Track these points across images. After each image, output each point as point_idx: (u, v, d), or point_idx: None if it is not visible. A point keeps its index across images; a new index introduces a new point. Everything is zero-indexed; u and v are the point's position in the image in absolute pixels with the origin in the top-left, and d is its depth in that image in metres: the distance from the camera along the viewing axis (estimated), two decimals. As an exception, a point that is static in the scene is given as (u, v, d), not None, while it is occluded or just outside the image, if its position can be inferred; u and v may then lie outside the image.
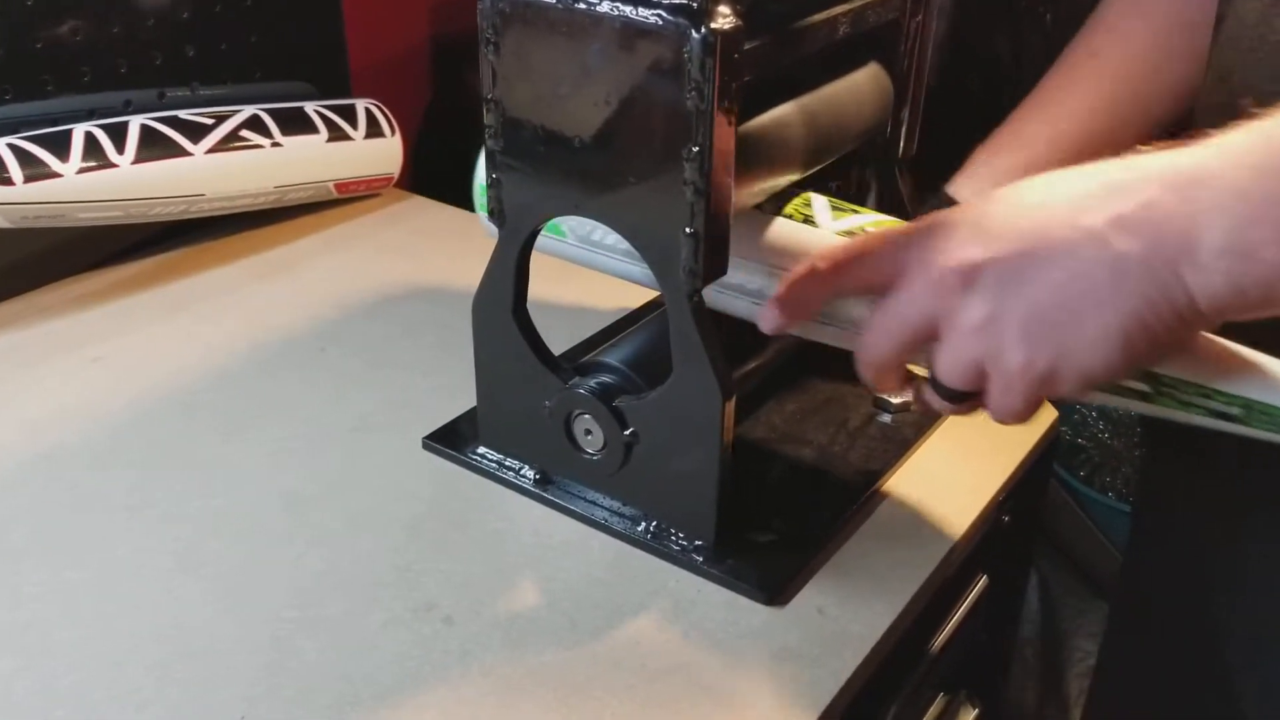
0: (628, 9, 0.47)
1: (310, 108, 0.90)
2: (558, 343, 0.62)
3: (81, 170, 0.76)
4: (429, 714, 0.49)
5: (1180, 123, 0.72)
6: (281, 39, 0.94)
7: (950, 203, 0.71)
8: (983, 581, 0.68)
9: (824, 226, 0.58)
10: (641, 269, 0.60)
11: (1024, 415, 0.49)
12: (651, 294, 0.76)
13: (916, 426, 0.67)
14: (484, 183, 0.67)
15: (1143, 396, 0.50)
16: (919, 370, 0.52)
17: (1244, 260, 0.42)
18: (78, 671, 0.51)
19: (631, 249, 0.54)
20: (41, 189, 0.74)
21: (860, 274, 0.51)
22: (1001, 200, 0.48)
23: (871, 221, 0.58)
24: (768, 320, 0.54)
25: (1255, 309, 0.43)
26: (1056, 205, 0.46)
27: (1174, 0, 0.71)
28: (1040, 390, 0.47)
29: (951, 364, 0.49)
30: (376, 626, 0.53)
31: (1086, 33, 0.75)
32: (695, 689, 0.50)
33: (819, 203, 0.60)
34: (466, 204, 0.97)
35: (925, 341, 0.49)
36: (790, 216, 0.59)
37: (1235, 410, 0.48)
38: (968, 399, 0.50)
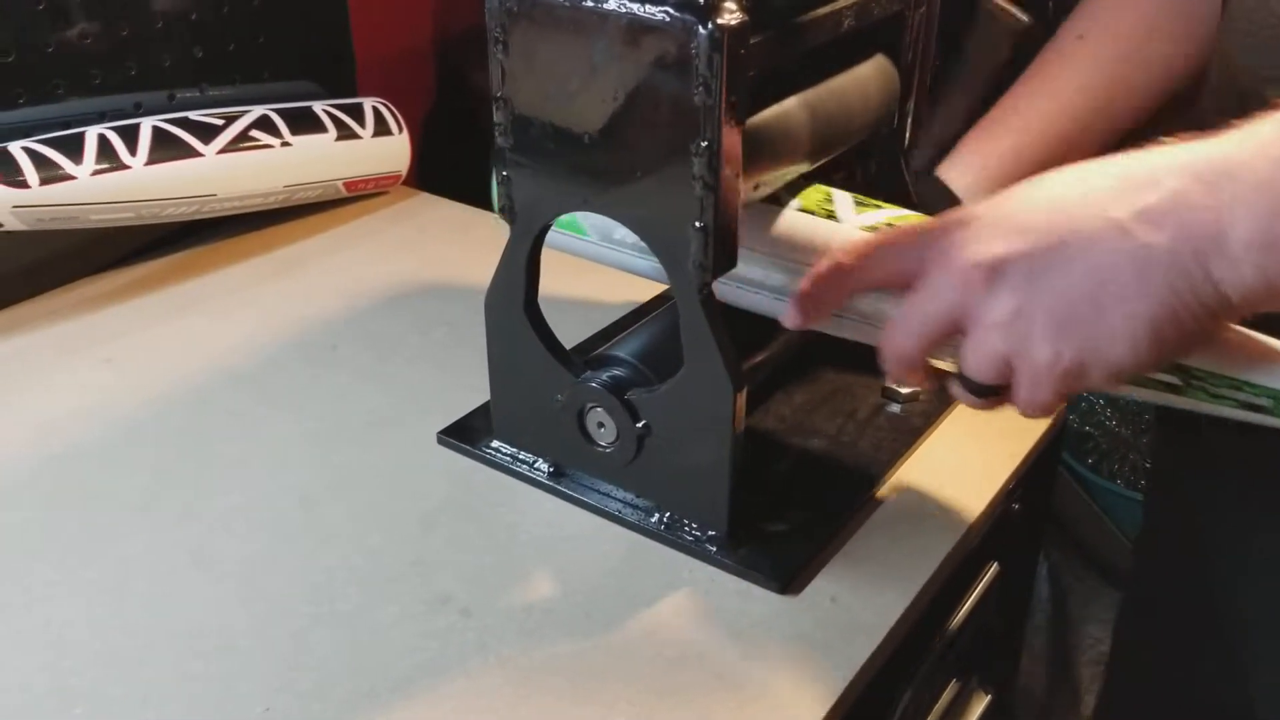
0: (635, 6, 0.48)
1: (319, 107, 0.91)
2: (568, 337, 0.62)
3: (95, 172, 0.77)
4: (447, 704, 0.50)
5: (1185, 105, 0.73)
6: (288, 39, 0.95)
7: (942, 187, 0.72)
8: (994, 569, 0.68)
9: (846, 221, 0.58)
10: (650, 263, 0.61)
11: (1051, 409, 0.49)
12: (660, 288, 0.77)
13: (925, 416, 0.67)
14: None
15: (1172, 389, 0.50)
16: (944, 365, 0.52)
17: (1271, 252, 0.42)
18: (96, 669, 0.51)
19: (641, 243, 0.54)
20: (56, 191, 0.75)
21: (884, 269, 0.51)
22: (1025, 194, 0.48)
23: (895, 216, 0.58)
24: (791, 317, 0.55)
25: None
26: (1080, 198, 0.46)
27: None
28: (1068, 384, 0.47)
29: (978, 359, 0.48)
30: (393, 619, 0.54)
31: (1075, 17, 0.75)
32: (710, 677, 0.51)
33: (841, 198, 0.59)
34: (473, 200, 0.98)
35: (951, 337, 0.49)
36: (812, 212, 0.58)
37: (1265, 401, 0.48)
38: (995, 393, 0.50)
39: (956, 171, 0.73)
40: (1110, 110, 0.75)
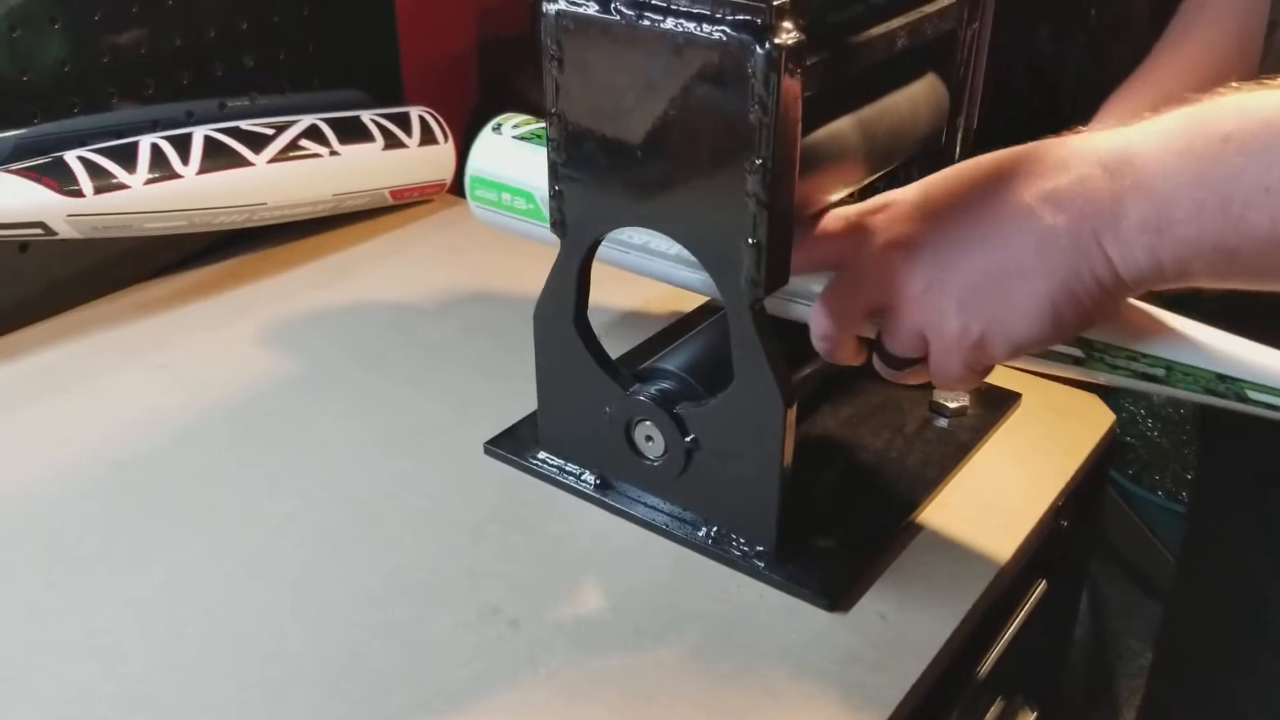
0: (692, 25, 0.48)
1: (366, 116, 0.92)
2: (611, 347, 0.62)
3: (148, 181, 0.78)
4: (497, 717, 0.50)
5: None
6: (337, 48, 0.96)
7: None
8: (1042, 586, 0.68)
9: None
10: (700, 277, 0.61)
11: (964, 380, 0.52)
12: (703, 299, 0.77)
13: (973, 431, 0.67)
14: (475, 174, 0.72)
15: (1075, 361, 0.52)
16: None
17: (1161, 236, 0.44)
18: (154, 676, 0.52)
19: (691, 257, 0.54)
20: (110, 200, 0.76)
21: (819, 253, 0.54)
22: (941, 179, 0.52)
23: None
24: None
25: (1172, 281, 0.46)
26: (993, 182, 0.49)
27: None
28: (975, 355, 0.50)
29: (895, 332, 0.52)
30: (444, 630, 0.55)
31: (1185, 9, 0.75)
32: (760, 694, 0.51)
33: None
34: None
35: (873, 313, 0.53)
36: None
37: (1159, 371, 0.51)
38: (911, 365, 0.54)
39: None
40: (1241, 70, 0.74)
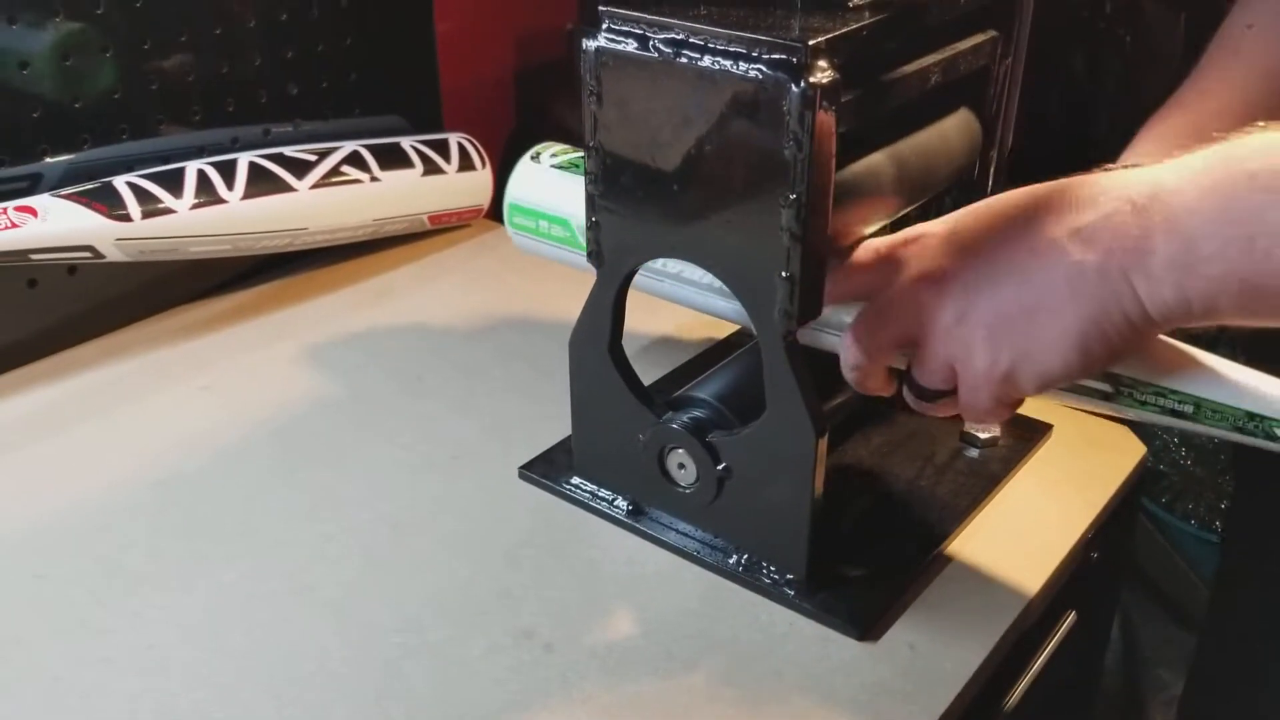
0: (728, 63, 0.49)
1: (406, 143, 0.93)
2: (644, 374, 0.63)
3: (194, 206, 0.80)
4: (531, 740, 0.51)
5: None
6: (378, 76, 0.98)
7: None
8: (1071, 618, 0.68)
9: None
10: (732, 305, 0.62)
11: (992, 414, 0.53)
12: (735, 326, 0.78)
13: (1004, 461, 0.67)
14: (514, 201, 0.73)
15: (1104, 396, 0.53)
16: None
17: (1189, 273, 0.44)
18: (196, 692, 0.53)
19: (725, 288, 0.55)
20: (157, 224, 0.78)
21: (848, 283, 0.55)
22: (973, 212, 0.52)
23: None
24: None
25: (1200, 318, 0.46)
26: (1024, 217, 0.49)
27: None
28: (1004, 389, 0.51)
29: (925, 364, 0.53)
30: (480, 652, 0.55)
31: (1242, 7, 0.74)
32: (789, 721, 0.52)
33: None
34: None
35: (903, 345, 0.54)
36: None
37: (1187, 408, 0.51)
38: (941, 397, 0.54)
39: (1134, 160, 0.72)
40: (1271, 106, 0.74)
